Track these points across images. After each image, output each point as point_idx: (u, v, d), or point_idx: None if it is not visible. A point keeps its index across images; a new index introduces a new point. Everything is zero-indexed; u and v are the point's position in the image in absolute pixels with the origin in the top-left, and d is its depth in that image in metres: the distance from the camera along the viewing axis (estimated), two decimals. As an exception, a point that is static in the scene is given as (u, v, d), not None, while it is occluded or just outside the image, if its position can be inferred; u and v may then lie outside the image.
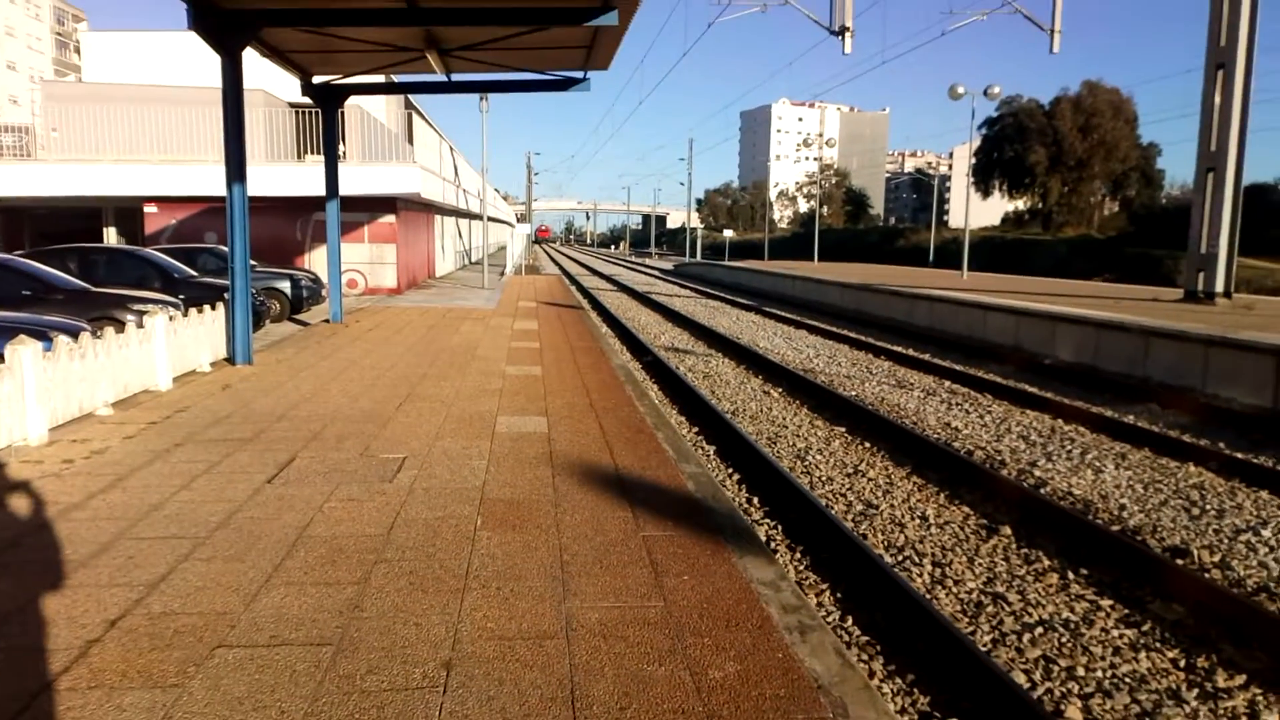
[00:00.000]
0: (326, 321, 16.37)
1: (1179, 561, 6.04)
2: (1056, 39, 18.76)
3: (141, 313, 10.58)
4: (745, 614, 4.11)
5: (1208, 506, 7.34)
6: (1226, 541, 6.51)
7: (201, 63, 18.81)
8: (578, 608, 4.12)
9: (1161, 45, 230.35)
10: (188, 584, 4.31)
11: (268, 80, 20.88)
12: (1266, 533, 6.68)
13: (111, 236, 23.91)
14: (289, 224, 23.21)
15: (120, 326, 9.15)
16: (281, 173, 20.98)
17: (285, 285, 17.38)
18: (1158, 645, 4.89)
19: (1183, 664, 4.69)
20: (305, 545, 4.87)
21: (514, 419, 8.28)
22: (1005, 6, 19.37)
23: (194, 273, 15.98)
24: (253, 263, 14.66)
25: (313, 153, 21.74)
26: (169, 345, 9.72)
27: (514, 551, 4.83)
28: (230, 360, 11.49)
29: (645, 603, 4.20)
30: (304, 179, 20.74)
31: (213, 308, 11.38)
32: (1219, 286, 18.43)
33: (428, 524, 5.26)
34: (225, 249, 15.37)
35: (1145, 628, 5.09)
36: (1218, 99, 18.10)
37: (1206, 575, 5.85)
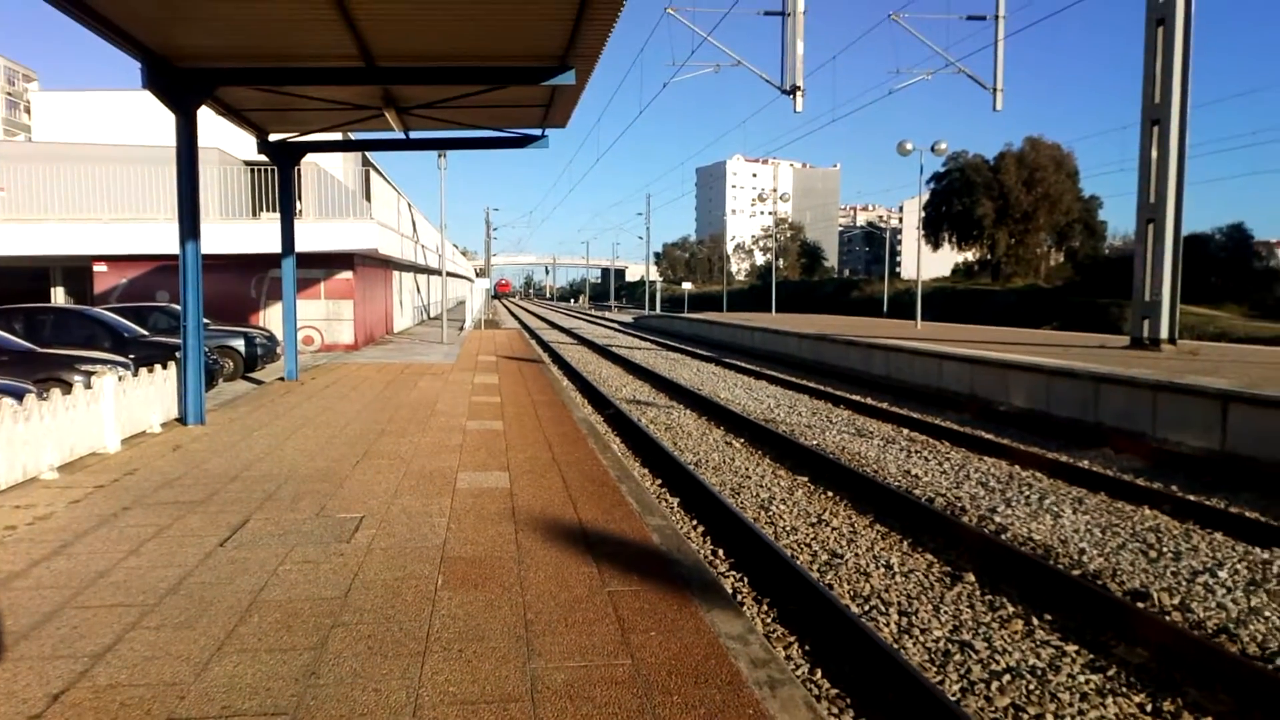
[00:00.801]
0: (281, 379, 16.11)
1: (1140, 605, 6.09)
2: (999, 97, 19.49)
3: (89, 373, 10.31)
4: (714, 669, 4.04)
5: (1165, 549, 7.44)
6: (1185, 584, 6.60)
7: (155, 121, 18.73)
8: (543, 668, 4.02)
9: (1099, 102, 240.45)
10: (135, 654, 4.14)
11: (222, 138, 20.81)
12: (1223, 574, 6.78)
13: (59, 296, 23.41)
14: (243, 281, 22.94)
15: (67, 388, 8.90)
16: (236, 230, 20.80)
17: (239, 343, 17.09)
18: (1124, 690, 4.90)
19: (1149, 708, 4.71)
20: (259, 610, 4.71)
21: (475, 475, 8.16)
22: (949, 66, 20.11)
23: (144, 332, 15.67)
24: (206, 321, 14.43)
25: (268, 210, 21.62)
26: (117, 406, 9.47)
27: (476, 611, 4.72)
28: (182, 420, 11.22)
29: (612, 661, 4.11)
30: (259, 236, 20.58)
31: (164, 367, 11.15)
32: (1164, 333, 18.96)
33: (387, 585, 5.13)
34: (177, 307, 15.13)
35: (1111, 672, 5.10)
36: (1154, 153, 18.83)
37: (1168, 618, 5.90)
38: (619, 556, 5.72)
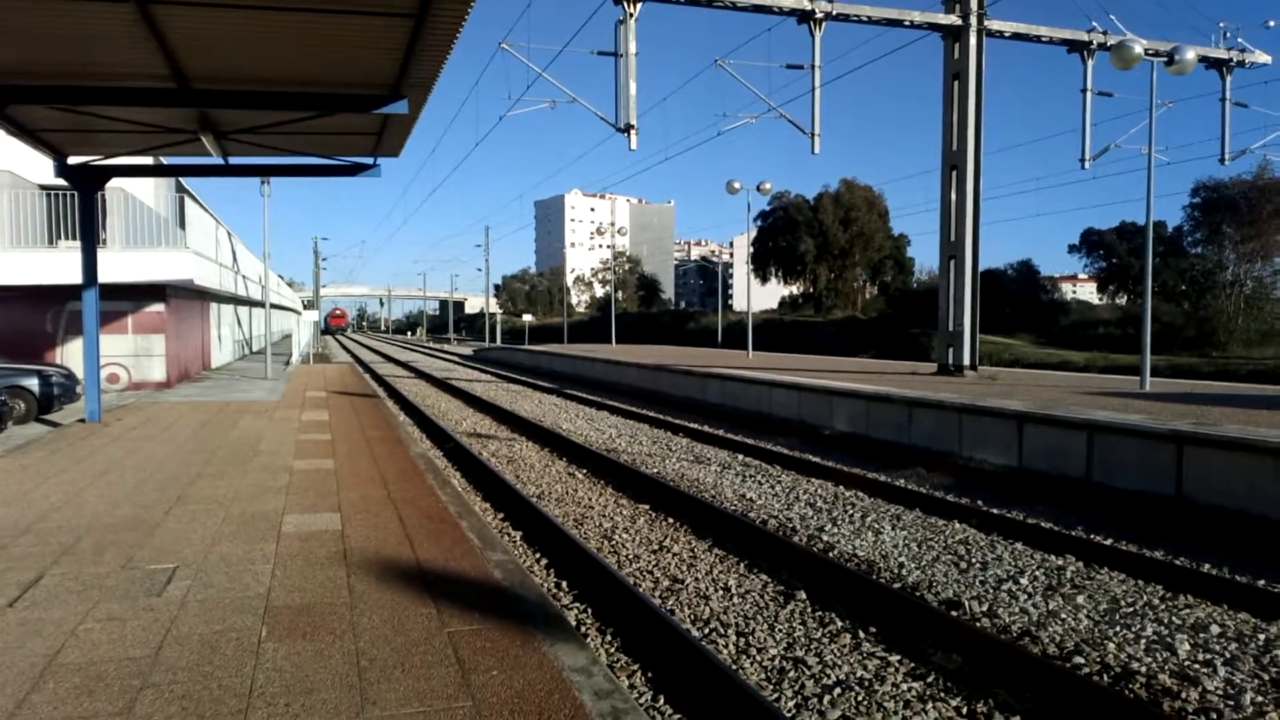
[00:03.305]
0: (82, 421, 14.73)
1: (954, 613, 6.55)
2: (816, 141, 20.69)
3: None
4: (558, 705, 4.01)
5: (973, 560, 8.04)
6: (991, 591, 7.15)
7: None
8: (377, 717, 3.85)
9: (905, 147, 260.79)
10: (-101, 737, 3.64)
11: (16, 160, 18.99)
12: (1024, 581, 7.40)
13: None
14: (39, 315, 20.91)
15: None
16: (30, 260, 18.94)
17: (33, 382, 15.54)
18: (942, 695, 5.23)
19: (965, 711, 5.05)
20: (55, 675, 4.27)
21: (303, 517, 7.76)
22: (771, 111, 21.16)
23: (-86, 371, 13.97)
24: (-9, 358, 13.03)
25: (68, 238, 19.85)
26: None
27: (304, 662, 4.47)
28: (-40, 470, 10.04)
29: (452, 704, 4.00)
30: (57, 266, 18.82)
31: (-62, 410, 9.97)
32: (966, 360, 20.64)
33: (204, 639, 4.77)
34: (-44, 343, 13.60)
35: (930, 679, 5.44)
36: (954, 196, 20.59)
37: (978, 624, 6.37)
38: (459, 595, 5.58)
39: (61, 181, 14.62)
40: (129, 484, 9.31)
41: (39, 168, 18.01)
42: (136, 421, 14.88)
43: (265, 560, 6.36)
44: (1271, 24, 23.73)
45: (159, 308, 22.19)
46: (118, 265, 19.11)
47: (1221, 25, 22.93)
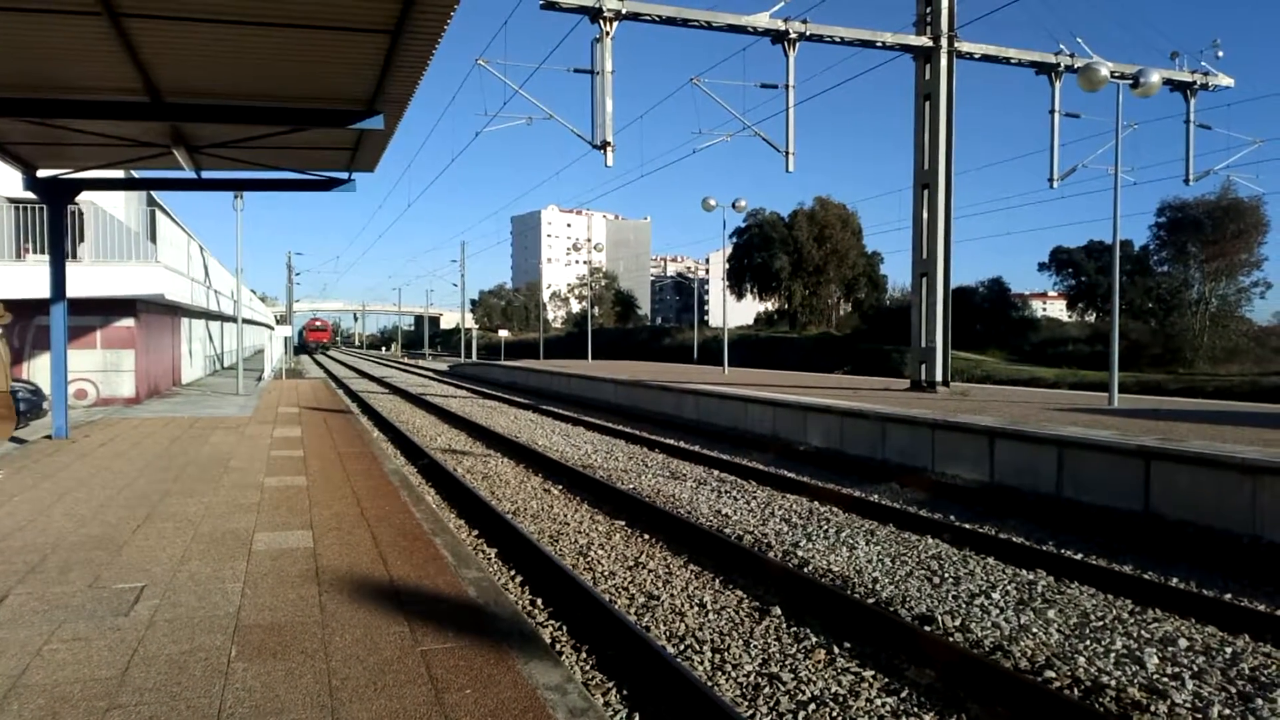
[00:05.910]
0: (48, 437, 14.48)
1: (927, 628, 6.59)
2: (791, 159, 20.90)
3: None
4: (532, 722, 3.98)
5: (946, 575, 8.10)
6: (964, 606, 7.20)
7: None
8: (351, 736, 3.81)
9: (877, 166, 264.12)
10: None
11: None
12: (996, 595, 7.46)
13: None
14: (4, 330, 20.55)
15: None
16: (-5, 272, 18.66)
17: (-4, 398, 15.22)
18: (916, 710, 5.26)
19: (937, 724, 5.07)
20: (19, 697, 4.18)
21: (274, 535, 7.67)
22: (746, 130, 21.35)
23: (-125, 387, 13.66)
24: (-46, 373, 12.79)
25: (36, 251, 19.57)
26: None
27: (275, 682, 4.42)
28: (-79, 487, 9.83)
29: (425, 722, 3.96)
30: (24, 280, 18.55)
31: (-101, 427, 9.76)
32: (938, 376, 20.84)
33: (172, 659, 4.70)
34: (-82, 358, 13.34)
35: (904, 694, 5.47)
36: (926, 214, 20.85)
37: (951, 639, 6.41)
38: (433, 613, 5.54)
39: (30, 194, 14.44)
40: (96, 501, 9.15)
41: (7, 180, 17.76)
42: (105, 438, 14.65)
43: (235, 579, 6.27)
44: (1219, 41, 24.35)
45: (128, 322, 21.90)
46: (87, 279, 18.87)
47: (1174, 58, 23.48)
